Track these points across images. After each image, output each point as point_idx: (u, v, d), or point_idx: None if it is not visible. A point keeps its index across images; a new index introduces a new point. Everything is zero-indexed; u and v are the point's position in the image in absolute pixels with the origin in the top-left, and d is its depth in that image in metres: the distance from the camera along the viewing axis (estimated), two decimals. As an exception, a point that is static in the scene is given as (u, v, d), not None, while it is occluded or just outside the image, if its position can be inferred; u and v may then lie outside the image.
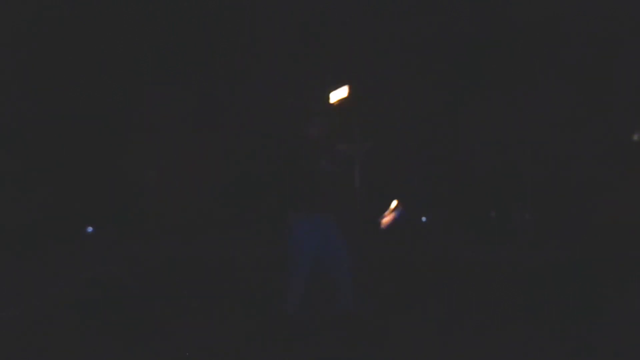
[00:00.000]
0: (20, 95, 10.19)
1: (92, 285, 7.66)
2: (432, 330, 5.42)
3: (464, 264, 8.88)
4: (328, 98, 5.32)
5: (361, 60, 10.46)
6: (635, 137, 10.66)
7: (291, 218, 5.08)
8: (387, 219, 5.19)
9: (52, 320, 5.85)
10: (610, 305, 6.18)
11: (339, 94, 5.49)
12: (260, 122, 10.53)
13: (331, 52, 10.35)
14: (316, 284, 5.19)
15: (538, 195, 10.83)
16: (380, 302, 6.50)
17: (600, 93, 10.30)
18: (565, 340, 5.09)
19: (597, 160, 10.49)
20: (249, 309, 6.17)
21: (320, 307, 5.33)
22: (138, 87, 10.88)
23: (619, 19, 9.90)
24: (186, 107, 11.03)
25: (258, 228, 10.30)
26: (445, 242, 10.29)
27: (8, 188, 9.97)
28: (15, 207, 9.93)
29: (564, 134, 10.68)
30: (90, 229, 10.38)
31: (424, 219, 10.88)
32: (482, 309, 6.17)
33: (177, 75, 10.82)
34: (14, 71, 10.03)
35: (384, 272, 8.38)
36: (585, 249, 9.31)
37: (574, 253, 9.26)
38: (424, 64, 10.56)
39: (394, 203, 5.14)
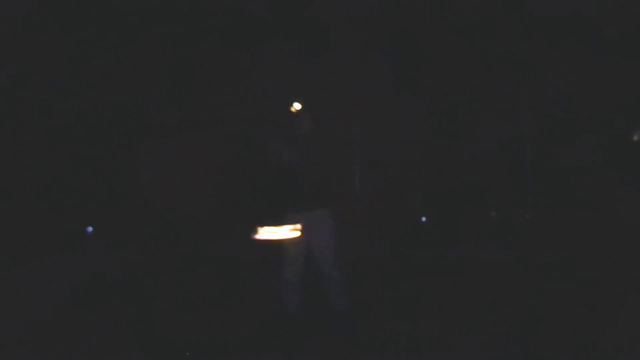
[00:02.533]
0: (20, 94, 10.20)
1: (92, 285, 7.66)
2: (431, 330, 5.42)
3: (464, 264, 8.88)
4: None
5: (357, 60, 10.47)
6: (636, 137, 10.65)
7: (284, 217, 5.09)
8: None
9: (51, 320, 5.85)
10: (610, 306, 6.18)
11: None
12: (257, 122, 10.54)
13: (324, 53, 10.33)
14: (312, 283, 5.20)
15: (538, 195, 10.82)
16: (378, 301, 6.50)
17: (602, 93, 10.30)
18: (565, 340, 5.09)
19: (597, 160, 10.48)
20: (249, 309, 6.17)
21: (316, 306, 5.33)
22: (138, 87, 10.88)
23: (621, 18, 9.90)
24: (186, 107, 11.03)
25: (258, 227, 10.28)
26: (445, 242, 10.29)
27: (7, 187, 9.97)
28: (15, 207, 9.93)
29: (564, 133, 10.67)
30: (90, 229, 10.38)
31: (424, 219, 10.88)
32: (481, 309, 6.17)
33: (177, 75, 10.82)
34: (15, 70, 10.03)
35: (383, 272, 8.39)
36: (585, 249, 9.30)
37: (574, 253, 9.26)
38: (420, 59, 10.55)
39: None
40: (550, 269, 8.42)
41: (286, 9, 10.19)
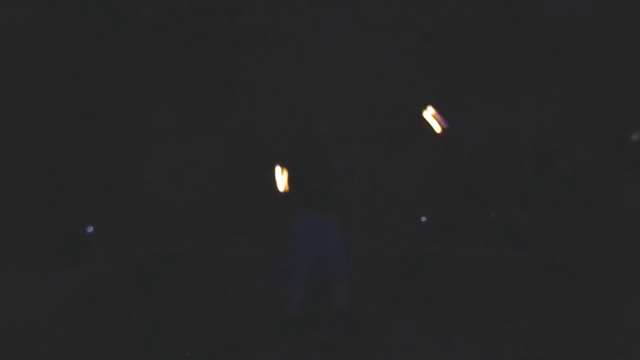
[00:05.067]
0: (20, 94, 10.20)
1: (92, 286, 7.66)
2: (431, 330, 5.42)
3: (464, 264, 8.88)
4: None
5: (355, 62, 10.47)
6: (635, 137, 10.65)
7: (294, 217, 5.10)
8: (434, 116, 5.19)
9: (52, 321, 5.85)
10: (610, 306, 6.19)
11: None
12: (262, 122, 10.54)
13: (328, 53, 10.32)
14: (315, 283, 5.20)
15: (538, 195, 10.82)
16: (379, 301, 6.50)
17: (602, 92, 10.30)
18: (565, 340, 5.09)
19: (597, 161, 10.49)
20: (249, 309, 6.17)
21: (318, 306, 5.34)
22: (138, 86, 10.88)
23: (621, 17, 9.91)
24: (186, 107, 11.03)
25: (258, 228, 10.29)
26: (445, 242, 10.29)
27: (7, 187, 9.97)
28: (15, 207, 9.93)
29: (564, 133, 10.68)
30: (90, 229, 10.37)
31: (424, 219, 10.87)
32: (481, 309, 6.17)
33: (177, 75, 10.83)
34: (15, 70, 10.04)
35: (383, 272, 8.39)
36: (585, 249, 9.31)
37: (574, 253, 9.26)
38: (421, 59, 10.54)
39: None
40: (550, 269, 8.42)
41: (289, 9, 10.20)
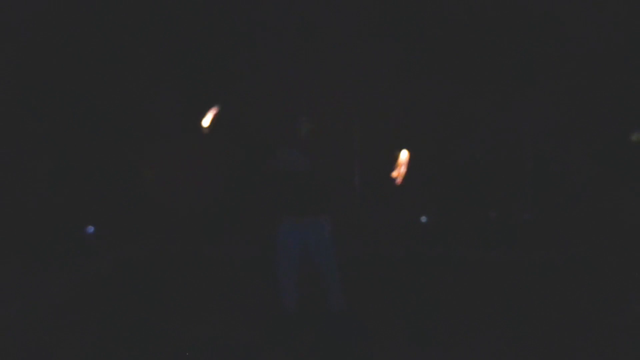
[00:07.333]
0: (19, 94, 10.20)
1: (92, 285, 7.67)
2: (430, 330, 5.43)
3: (464, 264, 8.88)
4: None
5: (353, 61, 10.47)
6: (635, 137, 10.65)
7: (278, 221, 5.13)
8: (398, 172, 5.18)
9: (52, 320, 5.86)
10: (610, 306, 6.19)
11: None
12: (254, 124, 10.55)
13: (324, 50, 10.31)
14: (309, 284, 5.22)
15: (538, 195, 10.82)
16: (379, 302, 6.51)
17: (601, 92, 10.31)
18: (565, 340, 5.09)
19: (597, 160, 10.49)
20: (248, 309, 6.18)
21: (314, 306, 5.35)
22: (138, 86, 10.88)
23: (619, 18, 9.91)
24: (185, 107, 11.03)
25: (257, 228, 10.29)
26: (445, 242, 10.29)
27: (8, 187, 9.97)
28: (15, 207, 9.93)
29: (564, 133, 10.68)
30: (90, 229, 10.37)
31: (424, 219, 10.87)
32: (481, 309, 6.17)
33: (175, 75, 10.83)
34: (14, 69, 10.04)
35: (383, 272, 8.39)
36: (586, 249, 9.31)
37: (574, 253, 9.26)
38: (420, 60, 10.55)
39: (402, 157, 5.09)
40: (550, 269, 8.42)
41: (284, 7, 10.20)
